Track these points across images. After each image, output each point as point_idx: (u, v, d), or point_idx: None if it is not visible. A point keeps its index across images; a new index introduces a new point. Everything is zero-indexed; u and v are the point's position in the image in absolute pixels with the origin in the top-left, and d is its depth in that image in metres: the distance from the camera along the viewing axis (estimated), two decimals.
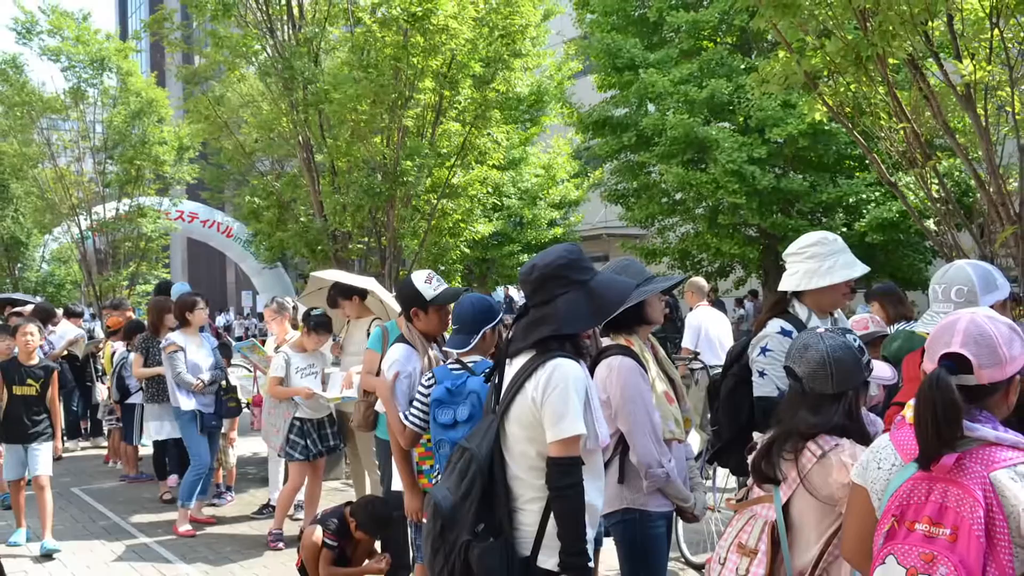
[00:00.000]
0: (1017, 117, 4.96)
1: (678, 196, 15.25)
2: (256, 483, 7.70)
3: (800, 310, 3.19)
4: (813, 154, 13.92)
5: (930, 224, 6.59)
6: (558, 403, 2.36)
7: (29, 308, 9.37)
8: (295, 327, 6.49)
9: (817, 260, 3.14)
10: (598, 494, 2.52)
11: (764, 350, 3.11)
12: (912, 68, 5.29)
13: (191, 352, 6.19)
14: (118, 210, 16.28)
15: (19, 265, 21.14)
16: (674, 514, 3.19)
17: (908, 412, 1.92)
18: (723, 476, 5.47)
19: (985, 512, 1.71)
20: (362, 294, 5.87)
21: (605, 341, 3.25)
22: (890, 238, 13.19)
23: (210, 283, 44.61)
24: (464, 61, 9.12)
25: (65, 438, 8.51)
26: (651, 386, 3.06)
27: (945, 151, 8.57)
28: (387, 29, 8.95)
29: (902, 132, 5.62)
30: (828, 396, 2.36)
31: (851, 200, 13.44)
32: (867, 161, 9.59)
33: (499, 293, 19.30)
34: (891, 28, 4.93)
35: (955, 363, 1.84)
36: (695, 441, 4.57)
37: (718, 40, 15.39)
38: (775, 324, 3.15)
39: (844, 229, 13.01)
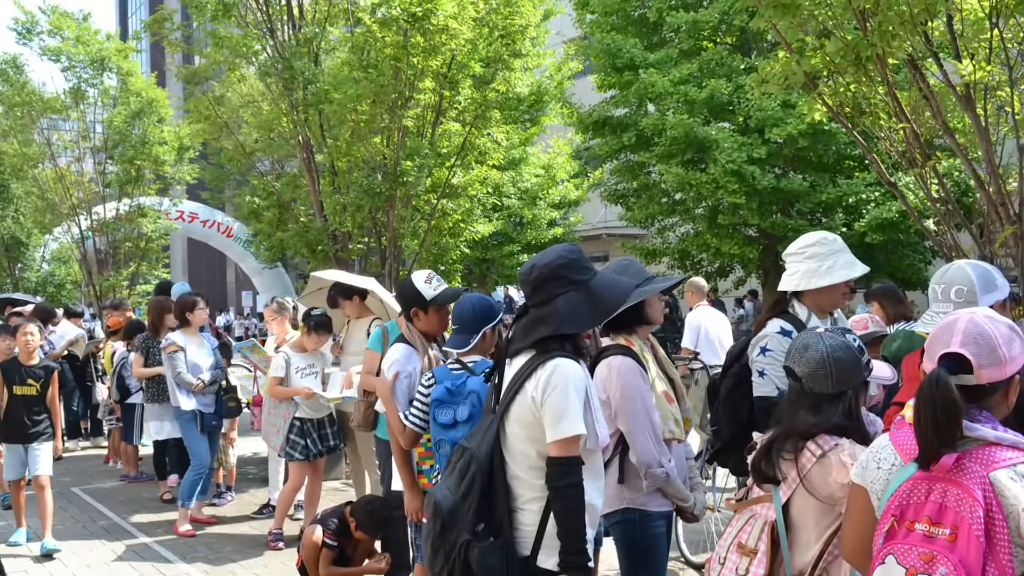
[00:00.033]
0: (1017, 117, 4.96)
1: (678, 196, 15.26)
2: (256, 483, 7.70)
3: (800, 310, 3.20)
4: (813, 154, 13.93)
5: (930, 224, 6.60)
6: (558, 403, 2.37)
7: (29, 308, 9.38)
8: (295, 327, 6.49)
9: (817, 260, 3.14)
10: (598, 494, 2.52)
11: (764, 350, 3.11)
12: (912, 68, 5.29)
13: (191, 352, 6.20)
14: (118, 210, 16.29)
15: (19, 265, 21.14)
16: (674, 514, 3.19)
17: (908, 412, 1.92)
18: (723, 476, 5.47)
19: (985, 512, 1.71)
20: (362, 294, 5.88)
21: (605, 341, 3.25)
22: (890, 238, 13.20)
23: (210, 283, 44.62)
24: (464, 61, 9.12)
25: (65, 438, 8.50)
26: (651, 386, 3.06)
27: (945, 151, 8.58)
28: (387, 29, 8.96)
29: (902, 132, 5.62)
30: (828, 396, 2.36)
31: (851, 200, 13.45)
32: (867, 161, 9.59)
33: (499, 293, 19.30)
34: (891, 28, 4.93)
35: (955, 363, 1.84)
36: (695, 441, 4.58)
37: (718, 40, 15.39)
38: (775, 324, 3.15)
39: (844, 229, 13.01)
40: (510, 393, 2.47)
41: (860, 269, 3.18)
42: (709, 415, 3.63)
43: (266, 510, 6.59)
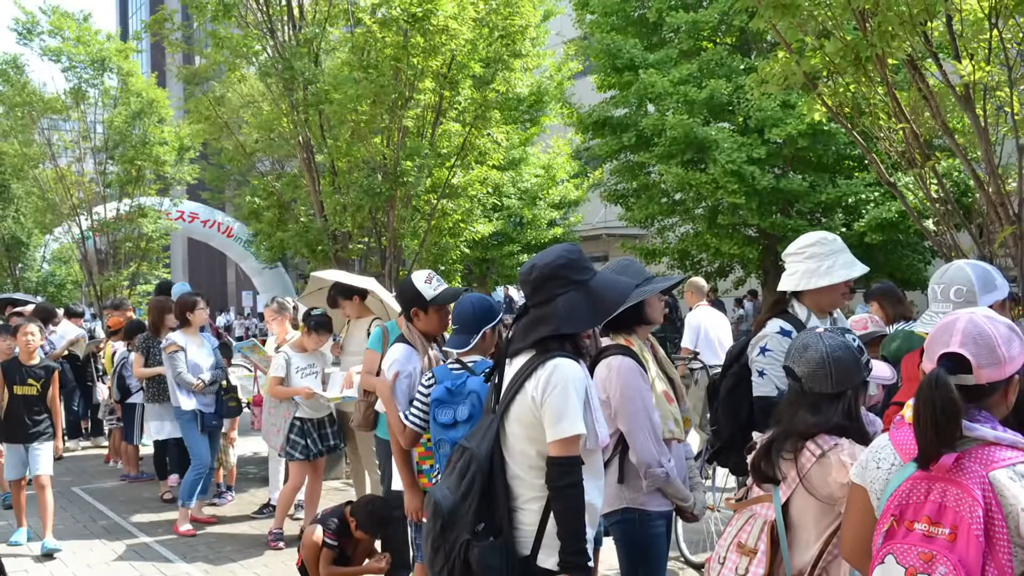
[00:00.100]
0: (1016, 117, 4.96)
1: (678, 196, 15.26)
2: (256, 483, 7.71)
3: (799, 310, 3.20)
4: (812, 154, 13.93)
5: (929, 224, 6.60)
6: (558, 403, 2.37)
7: (30, 308, 9.39)
8: (295, 327, 6.49)
9: (816, 260, 3.15)
10: (598, 493, 2.53)
11: (763, 350, 3.12)
12: (911, 68, 5.29)
13: (191, 352, 6.20)
14: (119, 210, 16.29)
15: (20, 265, 21.15)
16: (674, 514, 3.20)
17: (907, 412, 1.92)
18: (722, 476, 5.48)
19: (984, 512, 1.71)
20: (362, 294, 5.88)
21: (605, 341, 3.25)
22: (889, 238, 13.20)
23: (210, 283, 44.62)
24: (464, 61, 9.12)
25: (66, 438, 8.51)
26: (651, 386, 3.06)
27: (944, 151, 8.59)
28: (387, 30, 8.96)
29: (901, 132, 5.62)
30: (827, 396, 2.37)
31: (850, 200, 13.45)
32: (866, 161, 9.60)
33: (499, 293, 19.30)
34: (890, 28, 4.93)
35: (954, 363, 1.85)
36: (694, 441, 4.59)
37: (717, 40, 15.40)
38: (774, 324, 3.16)
39: (843, 229, 13.02)
40: (510, 393, 2.47)
41: (859, 269, 3.19)
42: (709, 415, 3.63)
43: (266, 510, 6.59)
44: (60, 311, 10.04)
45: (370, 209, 9.38)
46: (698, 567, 5.09)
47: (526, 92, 15.89)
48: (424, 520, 2.68)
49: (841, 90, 5.71)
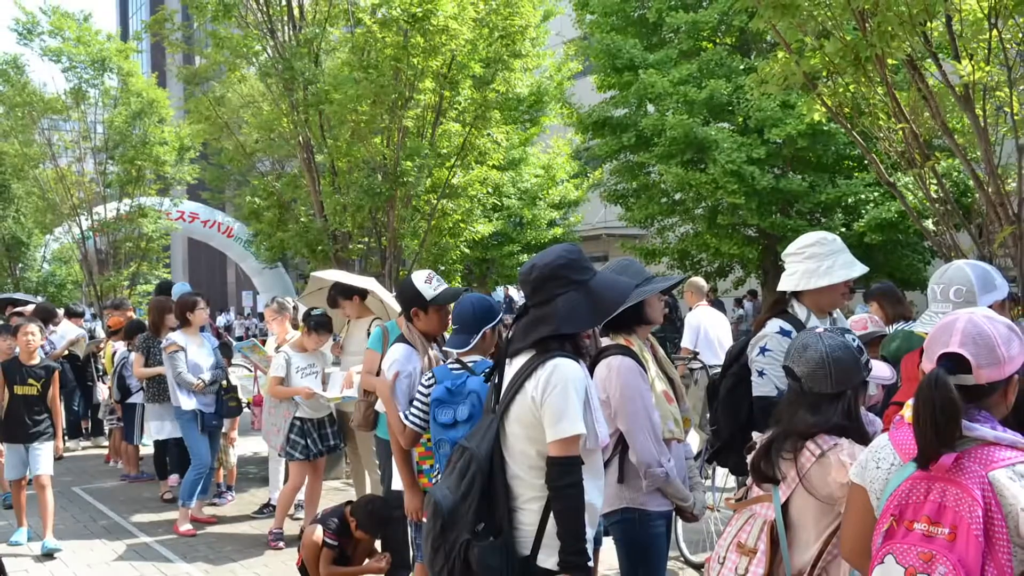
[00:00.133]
0: (1015, 117, 4.97)
1: (677, 196, 15.27)
2: (256, 483, 7.71)
3: (799, 310, 3.20)
4: (812, 154, 13.94)
5: (929, 224, 6.60)
6: (558, 403, 2.37)
7: (30, 308, 9.39)
8: (295, 327, 6.50)
9: (816, 260, 3.15)
10: (598, 493, 2.53)
11: (763, 350, 3.12)
12: (911, 69, 5.29)
13: (192, 352, 6.21)
14: (119, 210, 16.29)
15: (20, 265, 21.14)
16: (673, 513, 3.20)
17: (907, 412, 1.92)
18: (722, 475, 5.48)
19: (984, 511, 1.71)
20: (362, 294, 5.88)
21: (605, 341, 3.26)
22: (889, 238, 13.21)
23: (211, 283, 44.62)
24: (464, 62, 9.12)
25: (66, 438, 8.51)
26: (650, 386, 3.07)
27: (944, 151, 8.59)
28: (387, 30, 8.96)
29: (901, 132, 5.63)
30: (827, 396, 2.37)
31: (850, 200, 13.45)
32: (866, 161, 9.60)
33: (499, 293, 19.31)
34: (890, 29, 4.94)
35: (954, 363, 1.85)
36: (694, 440, 4.59)
37: (717, 41, 15.40)
38: (774, 324, 3.16)
39: (843, 229, 13.02)
40: (510, 393, 2.48)
41: (859, 269, 3.19)
42: (708, 415, 3.63)
43: (266, 510, 6.59)
44: (60, 311, 10.05)
45: (370, 209, 9.38)
46: (698, 567, 5.09)
47: (526, 92, 15.89)
48: (424, 520, 2.69)
49: (841, 90, 5.71)
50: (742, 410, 3.23)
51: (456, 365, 3.28)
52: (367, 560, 4.77)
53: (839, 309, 3.37)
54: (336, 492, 6.92)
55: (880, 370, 2.68)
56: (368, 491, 5.84)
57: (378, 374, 4.15)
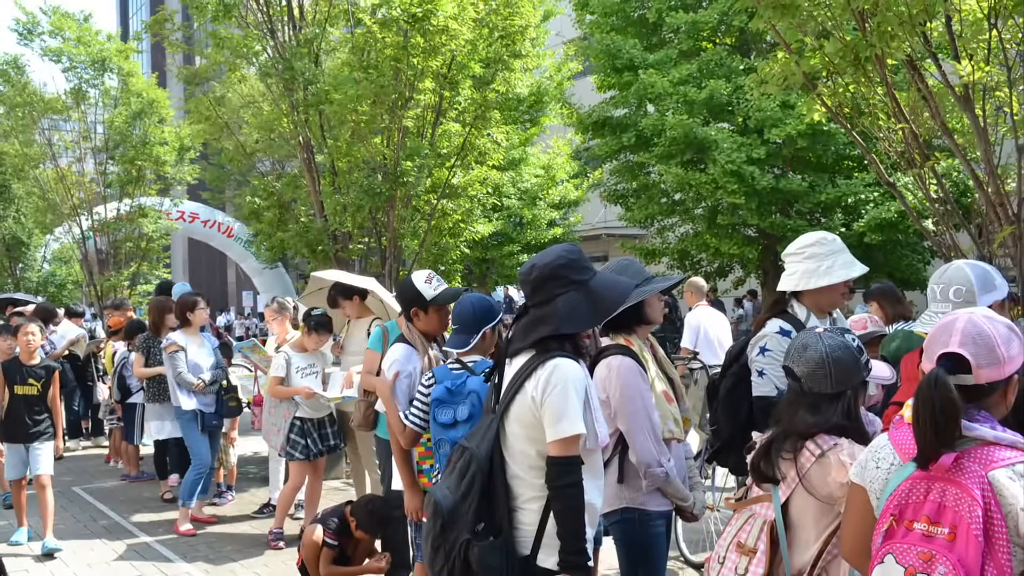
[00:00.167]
0: (1015, 118, 4.97)
1: (677, 196, 15.27)
2: (257, 482, 7.72)
3: (799, 310, 3.21)
4: (812, 154, 13.94)
5: (928, 224, 6.60)
6: (558, 402, 2.38)
7: (30, 308, 9.40)
8: (296, 327, 6.50)
9: (816, 260, 3.15)
10: (598, 493, 2.53)
11: (763, 350, 3.12)
12: (910, 69, 5.29)
13: (192, 352, 6.21)
14: (119, 210, 16.28)
15: (20, 265, 21.14)
16: (673, 513, 3.20)
17: (907, 412, 1.92)
18: (722, 475, 5.49)
19: (983, 511, 1.72)
20: (362, 294, 5.89)
21: (604, 341, 3.26)
22: (888, 238, 13.21)
23: (211, 283, 44.62)
24: (464, 62, 9.12)
25: (66, 437, 8.51)
26: (650, 386, 3.07)
27: (943, 151, 8.59)
28: (387, 30, 8.96)
29: (900, 132, 5.63)
30: (827, 396, 2.37)
31: (850, 200, 13.46)
32: (866, 161, 9.60)
33: (499, 293, 19.32)
34: (890, 29, 4.94)
35: (953, 363, 1.85)
36: (694, 440, 4.59)
37: (717, 41, 15.40)
38: (774, 324, 3.16)
39: (843, 229, 13.02)
40: (510, 393, 2.48)
41: (859, 269, 3.19)
42: (708, 415, 3.64)
43: (267, 509, 6.60)
44: (61, 311, 10.05)
45: (370, 209, 9.38)
46: (698, 567, 5.10)
47: (526, 92, 15.90)
48: (424, 520, 2.69)
49: (840, 90, 5.71)
50: (742, 410, 3.23)
51: (456, 365, 3.29)
52: (367, 560, 4.77)
53: (839, 309, 3.38)
54: (336, 492, 6.93)
55: (880, 370, 2.68)
56: (368, 491, 5.84)
57: (378, 374, 4.15)
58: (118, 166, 16.30)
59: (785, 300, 3.25)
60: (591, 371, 2.98)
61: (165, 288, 8.37)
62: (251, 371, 8.27)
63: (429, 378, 3.32)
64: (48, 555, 5.69)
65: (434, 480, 3.47)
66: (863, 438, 2.35)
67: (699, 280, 7.67)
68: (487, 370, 2.89)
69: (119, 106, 16.08)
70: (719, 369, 3.58)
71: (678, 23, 14.71)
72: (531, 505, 2.43)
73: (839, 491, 2.26)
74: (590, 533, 2.44)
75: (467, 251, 13.13)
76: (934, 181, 5.74)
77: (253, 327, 36.05)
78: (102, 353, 9.29)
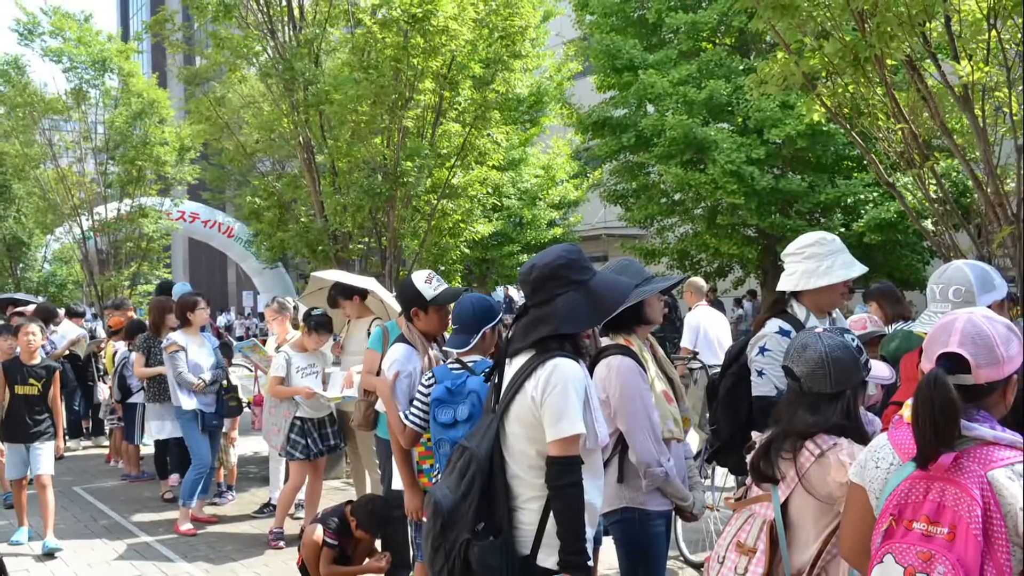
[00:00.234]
0: (1015, 118, 4.97)
1: (677, 196, 15.27)
2: (257, 482, 7.72)
3: (798, 310, 3.21)
4: (811, 155, 13.94)
5: (928, 224, 6.61)
6: (557, 402, 2.38)
7: (31, 308, 9.40)
8: (296, 327, 6.51)
9: (815, 260, 3.15)
10: (597, 493, 2.54)
11: (763, 350, 3.13)
12: (910, 69, 5.30)
13: (192, 352, 6.21)
14: (119, 210, 16.28)
15: (21, 265, 21.15)
16: (673, 513, 3.21)
17: (906, 411, 1.93)
18: (722, 475, 5.49)
19: (983, 511, 1.72)
20: (362, 294, 5.89)
21: (604, 341, 3.26)
22: (888, 238, 13.21)
23: (211, 283, 44.62)
24: (464, 62, 9.13)
25: (67, 437, 8.52)
26: (650, 386, 3.07)
27: (943, 152, 8.59)
28: (387, 30, 8.96)
29: (900, 133, 5.63)
30: (826, 396, 2.38)
31: (849, 200, 13.46)
32: (865, 162, 9.60)
33: (499, 293, 19.33)
34: (889, 29, 4.94)
35: (953, 363, 1.85)
36: (694, 440, 4.59)
37: (717, 41, 15.40)
38: (774, 324, 3.17)
39: (842, 229, 13.02)
40: (510, 393, 2.48)
41: (858, 269, 3.19)
42: (708, 414, 3.64)
43: (267, 509, 6.60)
44: (61, 311, 10.05)
45: (370, 209, 9.38)
46: (697, 566, 5.10)
47: (526, 93, 15.89)
48: (424, 519, 2.69)
49: (840, 91, 5.71)
50: (741, 410, 3.24)
51: (456, 365, 3.29)
52: (367, 560, 4.78)
53: (838, 309, 3.38)
54: (336, 492, 6.93)
55: (879, 370, 2.69)
56: (368, 491, 5.84)
57: (378, 374, 4.16)
58: (118, 166, 16.29)
59: (785, 300, 3.26)
60: (591, 371, 2.98)
61: (165, 288, 8.37)
62: (251, 371, 8.28)
63: (429, 378, 3.33)
64: (49, 555, 5.69)
65: (434, 480, 3.47)
66: (862, 438, 2.36)
67: (699, 280, 7.68)
68: (487, 370, 2.89)
69: (119, 106, 16.08)
70: (719, 369, 3.58)
71: (678, 23, 14.71)
72: (531, 505, 2.44)
73: (838, 491, 2.27)
74: (590, 533, 2.44)
75: (467, 251, 13.13)
76: (933, 181, 5.74)
77: (253, 327, 36.05)
78: (102, 353, 9.30)
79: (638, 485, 3.03)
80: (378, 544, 4.88)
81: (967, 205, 9.01)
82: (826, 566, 2.34)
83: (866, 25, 5.08)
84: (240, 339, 24.28)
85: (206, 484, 6.40)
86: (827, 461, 2.32)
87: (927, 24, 5.01)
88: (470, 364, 3.25)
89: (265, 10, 9.95)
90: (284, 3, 10.09)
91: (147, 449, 8.21)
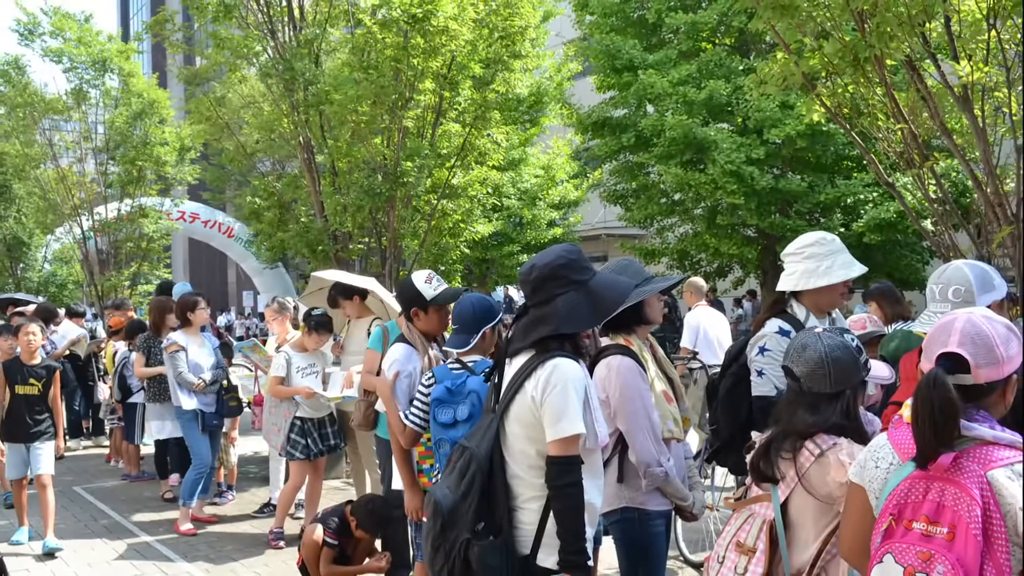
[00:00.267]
0: (1014, 118, 4.97)
1: (677, 196, 15.27)
2: (257, 482, 7.72)
3: (798, 310, 3.21)
4: (811, 155, 13.94)
5: (927, 224, 6.61)
6: (557, 402, 2.38)
7: (31, 308, 9.41)
8: (296, 327, 6.51)
9: (815, 260, 3.16)
10: (597, 493, 2.54)
11: (762, 349, 3.13)
12: (910, 69, 5.30)
13: (192, 352, 6.22)
14: (120, 210, 16.29)
15: (21, 265, 21.15)
16: (673, 513, 3.21)
17: (906, 411, 1.93)
18: (722, 475, 5.49)
19: (982, 511, 1.72)
20: (362, 294, 5.89)
21: (604, 341, 3.27)
22: (888, 238, 13.21)
23: (211, 283, 44.62)
24: (464, 62, 9.13)
25: (67, 437, 8.52)
26: (650, 385, 3.08)
27: (942, 152, 8.59)
28: (387, 30, 8.96)
29: (900, 133, 5.63)
30: (826, 395, 2.38)
31: (849, 200, 13.46)
32: (865, 162, 9.59)
33: (499, 293, 19.33)
34: (889, 29, 4.94)
35: (952, 363, 1.85)
36: (694, 440, 4.60)
37: (717, 41, 15.41)
38: (773, 324, 3.17)
39: (842, 229, 13.03)
40: (510, 392, 2.49)
41: (858, 269, 3.20)
42: (708, 414, 3.64)
43: (267, 509, 6.60)
44: (61, 311, 10.06)
45: (370, 209, 9.38)
46: (697, 566, 5.10)
47: (526, 93, 15.90)
48: (424, 519, 2.70)
49: (840, 91, 5.71)
50: (741, 410, 3.24)
51: (456, 365, 3.29)
52: (367, 559, 4.78)
53: (838, 309, 3.38)
54: (336, 491, 6.93)
55: (879, 370, 2.69)
56: (368, 490, 5.85)
57: (378, 374, 4.16)
58: (119, 166, 16.29)
59: (784, 300, 3.26)
60: (591, 371, 2.99)
61: (166, 288, 8.38)
62: (251, 371, 8.28)
63: (429, 378, 3.33)
64: (49, 554, 5.69)
65: (434, 480, 3.48)
66: (862, 438, 2.36)
67: (698, 280, 7.68)
68: (487, 370, 2.89)
69: (120, 106, 16.08)
70: (718, 369, 3.59)
71: (678, 24, 14.71)
72: (531, 505, 2.44)
73: (838, 490, 2.27)
74: (590, 532, 2.45)
75: (467, 251, 13.13)
76: (933, 181, 5.75)
77: (253, 327, 36.06)
78: (103, 353, 9.30)
79: (638, 485, 3.03)
80: (378, 544, 4.88)
81: (967, 205, 9.02)
82: (826, 566, 2.34)
83: (866, 25, 5.08)
84: (240, 339, 24.29)
85: (206, 484, 6.40)
86: (827, 461, 2.32)
87: (927, 24, 5.02)
88: (470, 364, 3.25)
89: (265, 10, 9.95)
90: (284, 3, 10.09)
91: (147, 449, 8.21)
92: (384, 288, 6.30)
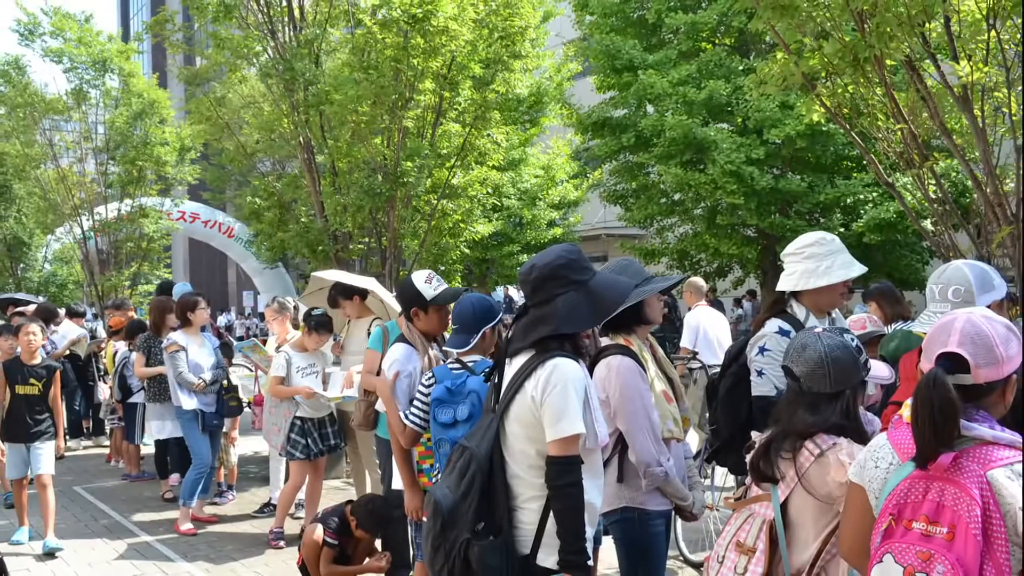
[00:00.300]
0: (1014, 118, 4.98)
1: (677, 197, 15.27)
2: (257, 482, 7.72)
3: (798, 310, 3.21)
4: (811, 155, 13.94)
5: (927, 224, 6.61)
6: (557, 402, 2.38)
7: (32, 308, 9.41)
8: (296, 327, 6.51)
9: (815, 260, 3.16)
10: (597, 493, 2.54)
11: (762, 349, 3.13)
12: (909, 69, 5.30)
13: (193, 352, 6.22)
14: (120, 210, 16.29)
15: (22, 265, 21.15)
16: (673, 513, 3.21)
17: (905, 411, 1.93)
18: (721, 475, 5.50)
19: (982, 511, 1.72)
20: (363, 294, 5.90)
21: (604, 341, 3.27)
22: (887, 238, 13.21)
23: (211, 283, 44.62)
24: (464, 62, 9.13)
25: (67, 437, 8.52)
26: (650, 385, 3.08)
27: (942, 152, 8.60)
28: (387, 31, 8.96)
29: (899, 133, 5.63)
30: (826, 395, 2.38)
31: (849, 200, 13.47)
32: (865, 162, 9.60)
33: (499, 293, 19.34)
34: (889, 29, 4.94)
35: (952, 362, 1.85)
36: (693, 440, 4.60)
37: (716, 41, 15.41)
38: (773, 324, 3.17)
39: (842, 229, 13.03)
40: (510, 392, 2.49)
41: (858, 269, 3.20)
42: (708, 414, 3.65)
43: (267, 509, 6.61)
44: (62, 311, 10.06)
45: (370, 209, 9.39)
46: (697, 566, 5.11)
47: (526, 93, 15.90)
48: (424, 519, 2.70)
49: (839, 91, 5.72)
50: (741, 410, 3.24)
51: (456, 365, 3.29)
52: (367, 559, 4.78)
53: (838, 309, 3.39)
54: (336, 491, 6.93)
55: (879, 370, 2.69)
56: (368, 490, 5.85)
57: (378, 374, 4.16)
58: (119, 166, 16.29)
59: (784, 300, 3.26)
60: (591, 371, 2.99)
61: (166, 288, 8.38)
62: (251, 371, 8.28)
63: (429, 378, 3.33)
64: (49, 554, 5.70)
65: (434, 480, 3.48)
66: (862, 438, 2.36)
67: (698, 280, 7.68)
68: (487, 370, 2.90)
69: (120, 106, 16.08)
70: (718, 369, 3.59)
71: (677, 24, 14.71)
72: (531, 504, 2.44)
73: (838, 490, 2.27)
74: (590, 532, 2.45)
75: (467, 251, 13.14)
76: (933, 181, 5.75)
77: (254, 327, 36.06)
78: (103, 353, 9.30)
79: (638, 485, 3.03)
80: (378, 544, 4.88)
81: (966, 205, 9.02)
82: (826, 566, 2.35)
83: (866, 25, 5.09)
84: (240, 339, 24.29)
85: (206, 484, 6.40)
86: (826, 461, 2.32)
87: (926, 24, 5.02)
88: (470, 364, 3.26)
89: (265, 10, 9.95)
90: (284, 3, 10.10)
91: (147, 449, 8.21)
92: (384, 288, 6.30)
